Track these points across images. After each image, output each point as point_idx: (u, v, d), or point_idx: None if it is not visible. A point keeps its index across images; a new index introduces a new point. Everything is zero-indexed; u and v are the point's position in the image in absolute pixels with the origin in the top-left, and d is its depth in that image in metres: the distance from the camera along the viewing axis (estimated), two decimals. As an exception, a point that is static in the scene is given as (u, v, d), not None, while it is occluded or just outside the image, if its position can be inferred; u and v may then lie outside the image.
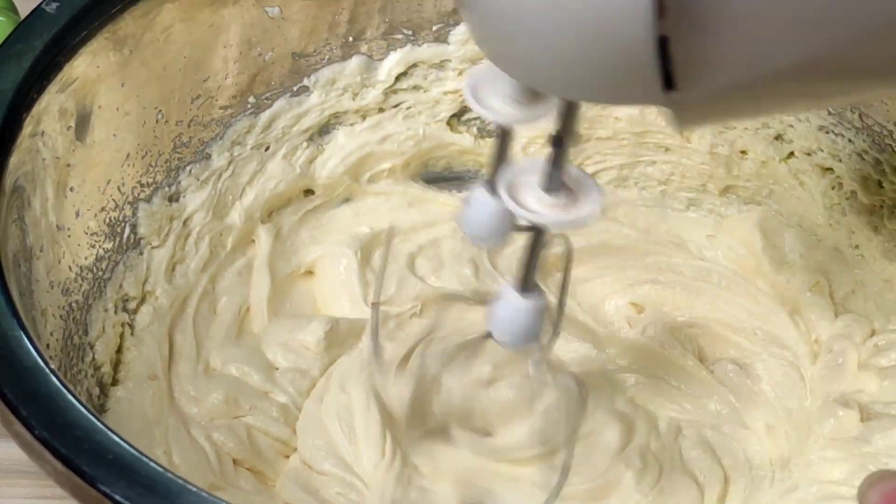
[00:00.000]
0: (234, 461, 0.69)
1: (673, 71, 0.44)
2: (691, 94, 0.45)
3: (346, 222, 0.83)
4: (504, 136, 0.57)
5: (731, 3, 0.42)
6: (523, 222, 0.57)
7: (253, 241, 0.80)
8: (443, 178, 0.86)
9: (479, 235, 0.59)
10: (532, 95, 0.54)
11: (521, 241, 0.60)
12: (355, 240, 0.80)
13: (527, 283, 0.60)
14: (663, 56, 0.44)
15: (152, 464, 0.52)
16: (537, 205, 0.55)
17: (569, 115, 0.53)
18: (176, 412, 0.70)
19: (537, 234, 0.58)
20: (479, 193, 0.58)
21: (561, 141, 0.54)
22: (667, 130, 0.83)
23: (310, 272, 0.80)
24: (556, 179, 0.55)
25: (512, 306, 0.61)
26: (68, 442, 0.53)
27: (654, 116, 0.83)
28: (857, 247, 0.78)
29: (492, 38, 0.49)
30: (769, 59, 0.44)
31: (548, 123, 0.54)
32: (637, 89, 0.46)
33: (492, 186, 0.57)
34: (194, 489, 0.51)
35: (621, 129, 0.84)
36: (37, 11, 0.69)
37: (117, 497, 0.51)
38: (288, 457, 0.71)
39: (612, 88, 0.47)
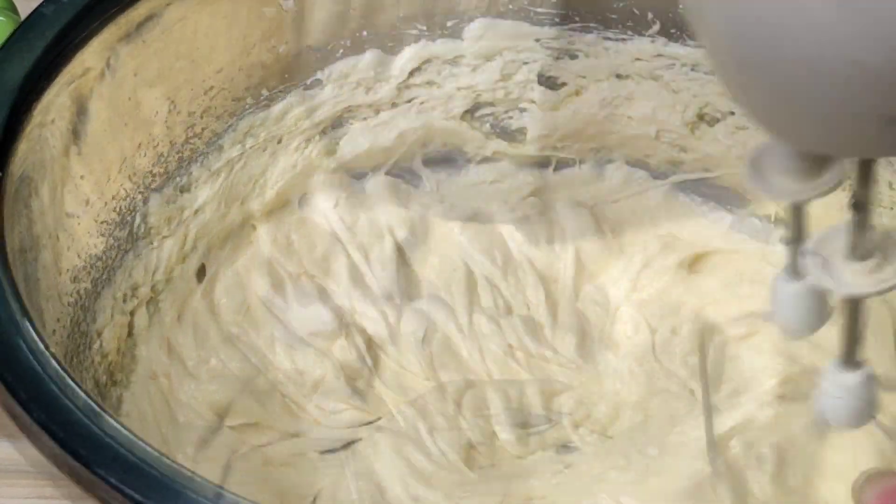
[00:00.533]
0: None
1: None
2: None
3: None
4: (798, 215, 0.53)
5: None
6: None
7: (253, 239, 0.81)
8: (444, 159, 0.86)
9: (794, 326, 0.56)
10: (818, 165, 0.50)
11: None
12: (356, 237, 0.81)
13: (852, 358, 0.56)
14: None
15: (148, 448, 0.52)
16: (853, 276, 0.51)
17: (865, 173, 0.48)
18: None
19: (856, 305, 0.54)
20: (782, 282, 0.55)
21: (863, 205, 0.50)
22: (680, 130, 0.83)
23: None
24: (864, 245, 0.51)
25: (844, 386, 0.56)
26: (65, 425, 0.53)
27: (666, 114, 0.83)
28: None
29: (776, 109, 0.45)
30: None
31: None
32: None
33: (794, 271, 0.55)
34: (189, 474, 0.52)
35: (634, 128, 0.84)
36: (49, 0, 0.69)
37: (113, 480, 0.51)
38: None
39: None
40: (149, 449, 0.52)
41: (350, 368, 0.75)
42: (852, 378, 0.55)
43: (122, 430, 0.53)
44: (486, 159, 0.86)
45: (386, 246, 0.81)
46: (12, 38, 0.67)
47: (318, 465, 0.71)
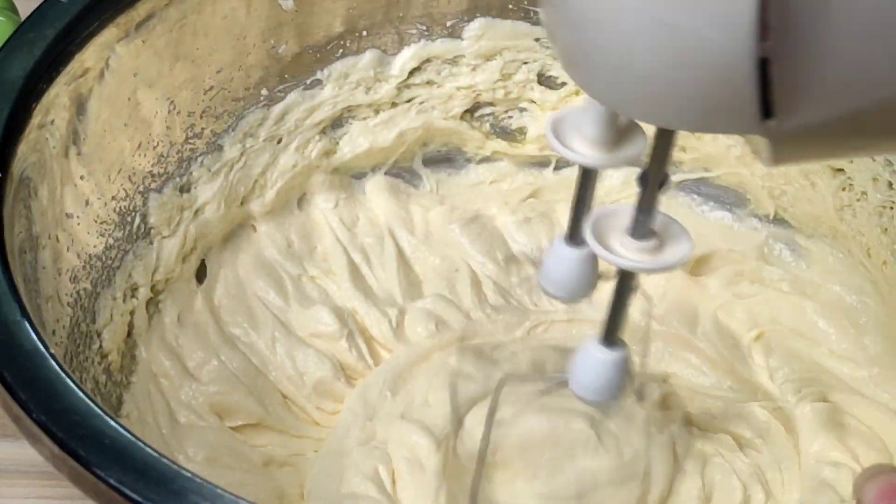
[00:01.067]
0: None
1: (772, 97, 0.42)
2: (790, 123, 0.43)
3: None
4: (585, 182, 0.55)
5: (840, 23, 0.40)
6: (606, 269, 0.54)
7: (253, 239, 0.81)
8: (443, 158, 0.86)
9: (559, 290, 0.57)
10: (618, 138, 0.52)
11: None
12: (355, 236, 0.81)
13: (611, 335, 0.57)
14: (763, 80, 0.42)
15: (148, 449, 0.52)
16: (624, 250, 0.52)
17: (660, 152, 0.49)
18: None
19: (624, 282, 0.55)
20: (557, 246, 0.57)
21: (648, 181, 0.50)
22: (679, 130, 0.83)
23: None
24: (644, 224, 0.52)
25: (596, 359, 0.57)
26: (65, 426, 0.53)
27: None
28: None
29: (581, 60, 0.46)
30: (877, 86, 0.42)
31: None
32: (733, 116, 0.43)
33: (572, 237, 0.56)
34: (188, 474, 0.52)
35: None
36: (49, 1, 0.69)
37: (112, 481, 0.51)
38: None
39: (707, 115, 0.44)
40: (149, 449, 0.52)
41: (351, 369, 0.75)
42: (608, 355, 0.57)
43: (122, 430, 0.53)
44: (485, 159, 0.86)
45: (386, 246, 0.81)
46: (12, 39, 0.67)
47: (318, 466, 0.71)
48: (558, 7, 0.46)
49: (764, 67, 0.41)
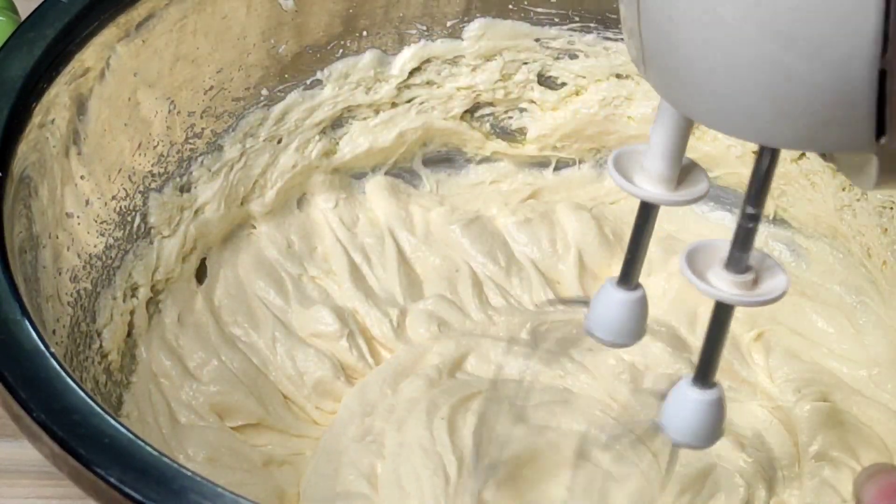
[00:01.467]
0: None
1: (886, 112, 0.41)
2: None
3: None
4: (644, 220, 0.54)
5: None
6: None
7: (253, 239, 0.81)
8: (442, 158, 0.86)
9: (610, 335, 0.56)
10: (682, 175, 0.52)
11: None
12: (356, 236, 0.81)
13: (707, 374, 0.55)
14: (880, 93, 0.41)
15: (148, 448, 0.52)
16: (722, 283, 0.52)
17: (761, 183, 0.49)
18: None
19: (720, 318, 0.54)
20: (609, 289, 0.56)
21: (755, 218, 0.50)
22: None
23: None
24: (741, 258, 0.51)
25: (693, 401, 0.55)
26: (65, 425, 0.53)
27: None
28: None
29: (685, 80, 0.45)
30: None
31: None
32: (845, 132, 0.43)
33: (625, 279, 0.55)
34: (189, 473, 0.52)
35: (634, 128, 0.84)
36: (49, 1, 0.69)
37: (112, 480, 0.51)
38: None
39: (818, 131, 0.43)
40: (149, 449, 0.52)
41: (351, 369, 0.75)
42: (705, 395, 0.55)
43: (123, 429, 0.53)
44: (485, 159, 0.86)
45: (387, 247, 0.81)
46: (12, 39, 0.67)
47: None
48: (660, 27, 0.45)
49: (881, 81, 0.41)
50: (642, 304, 0.56)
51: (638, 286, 0.55)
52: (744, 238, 0.51)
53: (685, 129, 0.51)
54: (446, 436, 0.69)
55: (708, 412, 0.55)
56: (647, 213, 0.54)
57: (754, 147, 0.80)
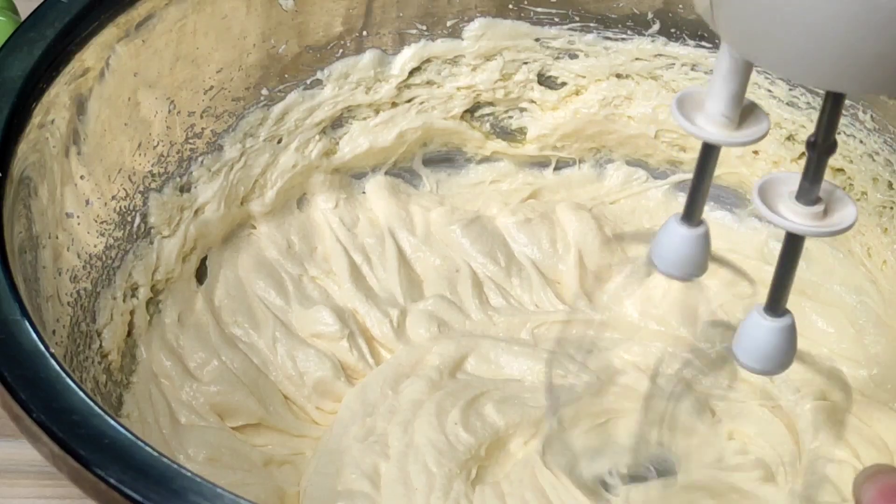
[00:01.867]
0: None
1: None
2: None
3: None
4: (706, 161, 0.56)
5: None
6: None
7: (253, 240, 0.81)
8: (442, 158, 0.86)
9: (673, 269, 0.58)
10: (744, 116, 0.54)
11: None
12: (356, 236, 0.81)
13: (778, 302, 0.56)
14: None
15: (147, 448, 0.53)
16: (793, 215, 0.53)
17: (830, 119, 0.51)
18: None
19: (792, 248, 0.55)
20: (673, 224, 0.57)
21: (822, 147, 0.52)
22: (680, 130, 0.83)
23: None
24: (811, 190, 0.53)
25: (763, 327, 0.56)
26: (65, 425, 0.53)
27: (666, 114, 0.83)
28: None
29: (756, 32, 0.47)
30: None
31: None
32: None
33: (688, 216, 0.57)
34: (188, 474, 0.52)
35: (634, 128, 0.84)
36: (49, 1, 0.69)
37: (112, 481, 0.51)
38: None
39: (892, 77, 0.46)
40: (148, 449, 0.53)
41: (351, 369, 0.75)
42: (776, 322, 0.57)
43: (122, 430, 0.53)
44: (485, 159, 0.86)
45: (387, 247, 0.81)
46: (12, 39, 0.67)
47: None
48: None
49: None
50: (705, 240, 0.58)
51: (701, 222, 0.57)
52: (814, 170, 0.52)
53: (747, 72, 0.52)
54: (464, 434, 0.69)
55: (779, 338, 0.56)
56: (708, 154, 0.56)
57: (754, 147, 0.82)
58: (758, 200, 0.54)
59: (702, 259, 0.58)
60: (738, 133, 0.54)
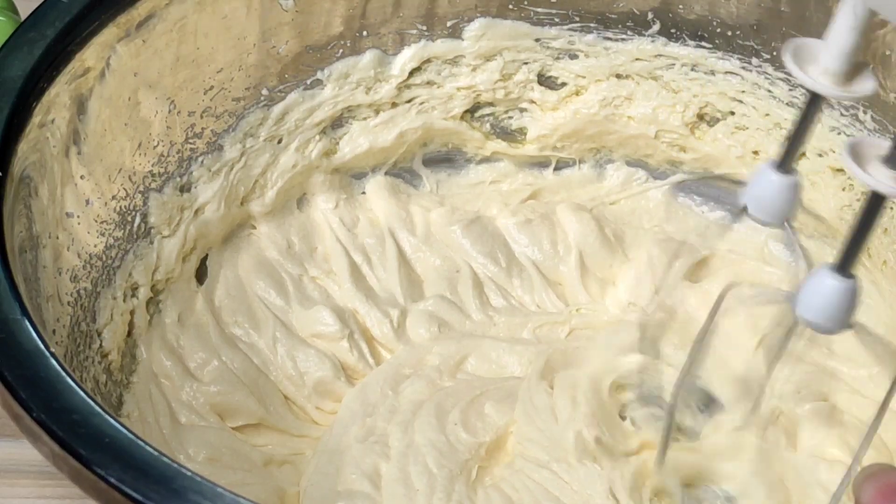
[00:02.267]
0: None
1: None
2: None
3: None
4: (810, 113, 0.57)
5: None
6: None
7: (253, 240, 0.81)
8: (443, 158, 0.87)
9: (762, 213, 0.60)
10: (852, 73, 0.55)
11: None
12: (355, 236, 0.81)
13: (849, 262, 0.57)
14: None
15: (148, 448, 0.53)
16: (882, 176, 0.54)
17: None
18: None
19: (873, 209, 0.56)
20: (767, 171, 0.59)
21: None
22: (680, 130, 0.83)
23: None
24: None
25: (829, 286, 0.57)
26: (65, 425, 0.53)
27: (666, 114, 0.83)
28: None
29: None
30: None
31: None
32: None
33: (782, 164, 0.58)
34: (188, 473, 0.52)
35: (634, 128, 0.84)
36: (49, 1, 0.69)
37: (112, 480, 0.51)
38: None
39: None
40: (149, 448, 0.52)
41: (352, 369, 0.75)
42: (843, 282, 0.57)
43: (123, 429, 0.53)
44: (485, 159, 0.86)
45: (387, 247, 0.81)
46: (12, 39, 0.67)
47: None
48: None
49: None
50: (794, 189, 0.59)
51: (793, 171, 0.58)
52: None
53: (864, 28, 0.53)
54: (465, 435, 0.69)
55: (842, 298, 0.57)
56: (814, 104, 0.57)
57: (753, 147, 0.81)
58: (848, 159, 0.54)
59: (789, 207, 0.59)
60: (844, 88, 0.55)
